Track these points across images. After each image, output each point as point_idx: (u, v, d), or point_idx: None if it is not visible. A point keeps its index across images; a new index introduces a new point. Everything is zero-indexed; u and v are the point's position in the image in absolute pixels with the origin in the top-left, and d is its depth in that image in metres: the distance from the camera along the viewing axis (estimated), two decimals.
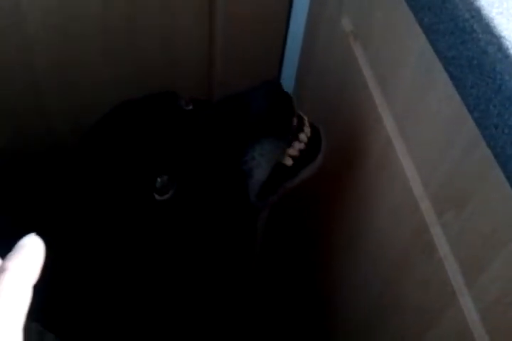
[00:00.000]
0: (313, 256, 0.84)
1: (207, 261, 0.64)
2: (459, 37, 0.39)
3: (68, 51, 0.79)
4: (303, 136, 0.60)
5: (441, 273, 0.48)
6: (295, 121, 0.59)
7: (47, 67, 0.80)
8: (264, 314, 0.97)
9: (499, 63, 0.36)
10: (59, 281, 0.59)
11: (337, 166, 0.70)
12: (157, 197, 0.57)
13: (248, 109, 0.57)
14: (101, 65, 0.82)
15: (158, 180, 0.56)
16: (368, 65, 0.61)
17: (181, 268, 0.63)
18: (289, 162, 0.60)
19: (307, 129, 0.61)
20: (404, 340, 0.58)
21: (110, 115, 0.63)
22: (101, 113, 0.64)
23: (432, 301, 0.51)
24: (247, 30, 0.84)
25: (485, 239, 0.43)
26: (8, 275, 0.29)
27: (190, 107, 0.62)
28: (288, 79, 0.92)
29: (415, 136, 0.53)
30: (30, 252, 0.31)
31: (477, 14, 0.38)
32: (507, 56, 0.35)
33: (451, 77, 0.41)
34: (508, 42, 0.36)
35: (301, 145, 0.60)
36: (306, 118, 0.61)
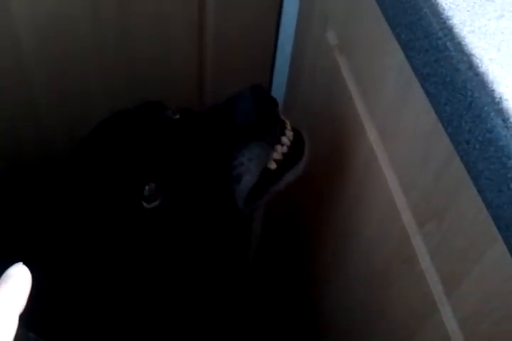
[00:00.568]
0: (304, 263, 0.85)
1: (199, 267, 0.65)
2: (433, 54, 0.41)
3: (63, 66, 0.80)
4: (285, 140, 0.61)
5: (422, 283, 0.50)
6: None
7: (43, 81, 0.81)
8: (257, 316, 0.98)
9: (470, 81, 0.37)
10: (54, 291, 0.60)
11: (322, 177, 0.71)
12: (145, 205, 0.57)
13: (235, 113, 0.57)
14: (94, 78, 0.84)
15: (146, 188, 0.57)
16: (352, 78, 0.63)
17: (174, 275, 0.63)
18: (272, 166, 0.60)
19: (289, 133, 0.61)
20: None
21: (100, 127, 0.65)
22: (95, 124, 0.65)
23: (414, 309, 0.52)
24: (236, 42, 0.86)
25: (462, 250, 0.44)
26: None
27: (178, 116, 0.63)
28: (278, 90, 0.93)
29: (397, 148, 0.54)
30: (17, 282, 0.31)
31: (449, 32, 0.39)
32: (477, 74, 0.36)
33: (427, 93, 0.42)
34: (478, 61, 0.37)
35: (284, 149, 0.60)
36: (288, 122, 0.61)
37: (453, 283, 0.46)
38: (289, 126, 0.61)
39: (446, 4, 0.40)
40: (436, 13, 0.40)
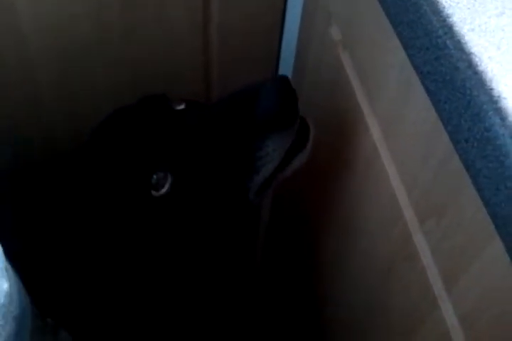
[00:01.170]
0: (308, 259, 0.86)
1: (206, 257, 0.65)
2: (433, 53, 0.41)
3: (67, 63, 0.80)
4: None
5: (423, 280, 0.50)
6: None
7: (47, 79, 0.82)
8: (262, 313, 0.98)
9: (469, 79, 0.37)
10: (65, 280, 0.62)
11: (324, 173, 0.72)
12: (154, 193, 0.58)
13: (256, 103, 0.57)
14: (99, 74, 0.84)
15: (154, 176, 0.58)
16: (355, 74, 0.63)
17: (180, 264, 0.64)
18: None
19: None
20: None
21: (106, 121, 0.66)
22: (99, 120, 0.66)
23: (415, 305, 0.53)
24: (242, 36, 0.85)
25: (462, 247, 0.44)
26: None
27: (183, 107, 0.63)
28: None
29: (399, 145, 0.54)
30: None
31: (449, 31, 0.39)
32: (476, 72, 0.37)
33: (427, 91, 0.42)
34: (477, 59, 0.37)
35: None
36: None
37: (453, 279, 0.46)
38: None
39: (446, 2, 0.40)
40: (437, 11, 0.40)
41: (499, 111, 0.34)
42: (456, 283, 0.46)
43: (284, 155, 0.60)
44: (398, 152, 0.55)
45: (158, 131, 0.60)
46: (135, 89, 0.86)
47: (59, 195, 0.65)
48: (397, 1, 0.46)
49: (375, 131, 0.58)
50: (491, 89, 0.35)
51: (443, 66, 0.40)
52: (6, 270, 0.46)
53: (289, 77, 0.89)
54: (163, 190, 0.58)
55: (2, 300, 0.44)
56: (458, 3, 0.40)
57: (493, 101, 0.35)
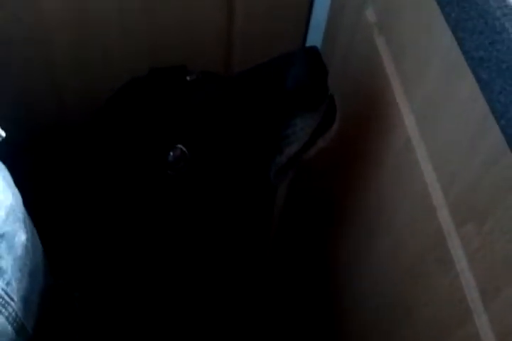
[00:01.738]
0: (325, 256, 0.81)
1: (217, 239, 0.61)
2: (488, 36, 0.36)
3: (85, 28, 0.77)
4: (322, 107, 0.56)
5: (457, 288, 0.45)
6: None
7: (62, 43, 0.78)
8: (272, 312, 0.95)
9: None
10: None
11: (353, 161, 0.67)
12: (170, 172, 0.55)
13: (287, 76, 0.52)
14: (117, 45, 0.80)
15: (171, 153, 0.54)
16: (390, 60, 0.58)
17: (191, 243, 0.60)
18: None
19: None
20: None
21: (122, 90, 0.62)
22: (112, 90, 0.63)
23: (445, 317, 0.48)
24: (268, 11, 0.81)
25: (506, 257, 0.39)
26: None
27: (200, 77, 0.60)
28: None
29: (436, 139, 0.49)
30: None
31: (510, 12, 0.35)
32: None
33: (478, 80, 0.37)
34: None
35: None
36: None
37: (492, 291, 0.42)
38: None
39: None
40: None
41: None
42: (496, 297, 0.41)
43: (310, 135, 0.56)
44: (434, 146, 0.50)
45: (176, 104, 0.57)
46: (151, 60, 0.82)
47: (73, 163, 0.63)
48: None
49: (409, 121, 0.53)
50: None
51: (499, 52, 0.35)
52: (25, 222, 0.46)
53: None
54: (180, 168, 0.55)
55: (19, 253, 0.44)
56: None
57: None
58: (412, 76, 0.53)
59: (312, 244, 0.86)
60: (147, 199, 0.57)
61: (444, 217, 0.48)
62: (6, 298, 0.43)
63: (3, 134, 0.48)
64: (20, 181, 0.55)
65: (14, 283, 0.44)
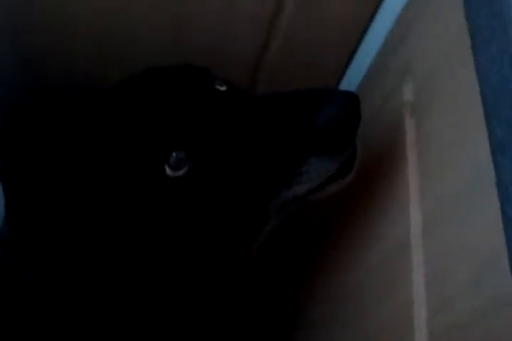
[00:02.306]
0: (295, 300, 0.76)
1: (207, 250, 0.58)
2: None
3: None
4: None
5: None
6: None
7: (81, 12, 0.74)
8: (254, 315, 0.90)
9: None
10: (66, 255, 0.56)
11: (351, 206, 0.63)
12: (168, 172, 0.52)
13: (317, 113, 0.50)
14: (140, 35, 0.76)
15: (174, 154, 0.51)
16: (414, 144, 0.53)
17: (182, 253, 0.57)
18: None
19: None
20: None
21: (134, 79, 0.59)
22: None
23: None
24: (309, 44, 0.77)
25: None
26: None
27: (224, 88, 0.57)
28: None
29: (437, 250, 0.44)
30: None
31: None
32: None
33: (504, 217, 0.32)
34: None
35: None
36: None
37: None
38: None
39: None
40: None
41: None
42: None
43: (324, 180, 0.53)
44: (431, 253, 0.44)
45: (191, 107, 0.54)
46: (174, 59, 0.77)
47: (72, 148, 0.58)
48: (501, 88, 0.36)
49: (414, 223, 0.48)
50: None
51: None
52: None
53: None
54: (179, 173, 0.52)
55: None
56: None
57: None
58: (431, 172, 0.48)
59: (284, 282, 0.82)
60: (140, 200, 0.54)
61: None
62: None
63: None
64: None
65: None
